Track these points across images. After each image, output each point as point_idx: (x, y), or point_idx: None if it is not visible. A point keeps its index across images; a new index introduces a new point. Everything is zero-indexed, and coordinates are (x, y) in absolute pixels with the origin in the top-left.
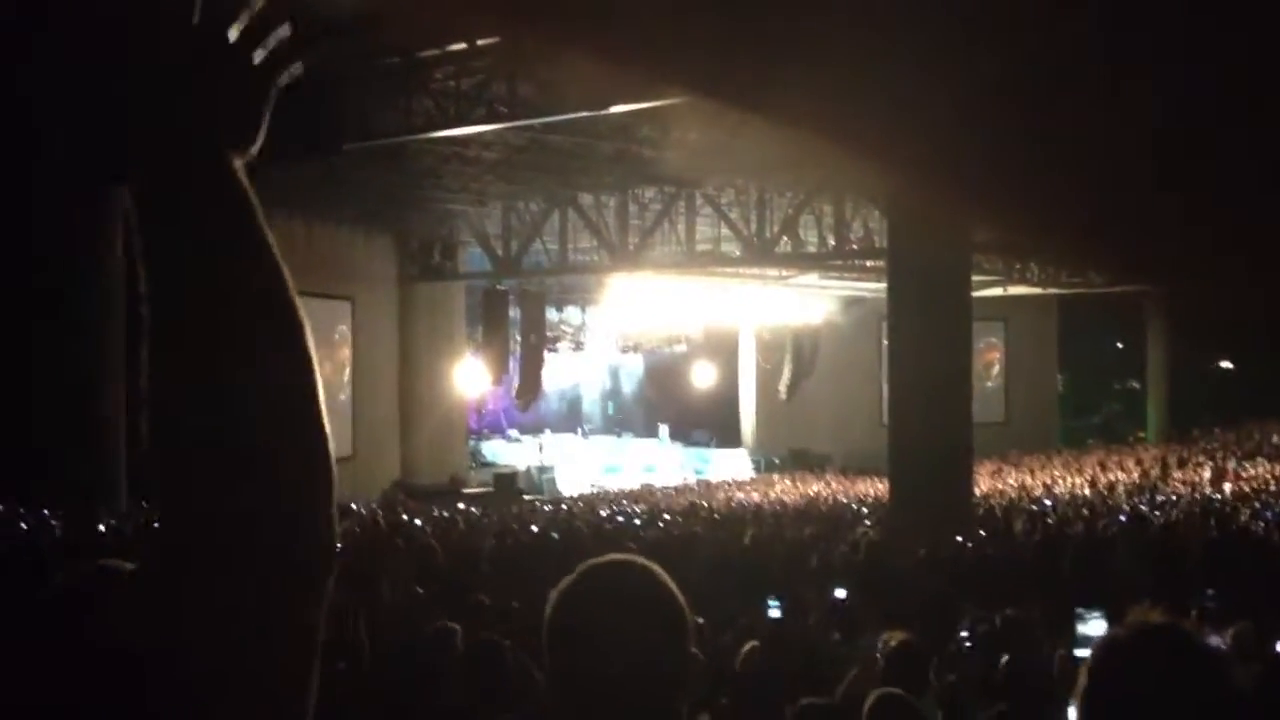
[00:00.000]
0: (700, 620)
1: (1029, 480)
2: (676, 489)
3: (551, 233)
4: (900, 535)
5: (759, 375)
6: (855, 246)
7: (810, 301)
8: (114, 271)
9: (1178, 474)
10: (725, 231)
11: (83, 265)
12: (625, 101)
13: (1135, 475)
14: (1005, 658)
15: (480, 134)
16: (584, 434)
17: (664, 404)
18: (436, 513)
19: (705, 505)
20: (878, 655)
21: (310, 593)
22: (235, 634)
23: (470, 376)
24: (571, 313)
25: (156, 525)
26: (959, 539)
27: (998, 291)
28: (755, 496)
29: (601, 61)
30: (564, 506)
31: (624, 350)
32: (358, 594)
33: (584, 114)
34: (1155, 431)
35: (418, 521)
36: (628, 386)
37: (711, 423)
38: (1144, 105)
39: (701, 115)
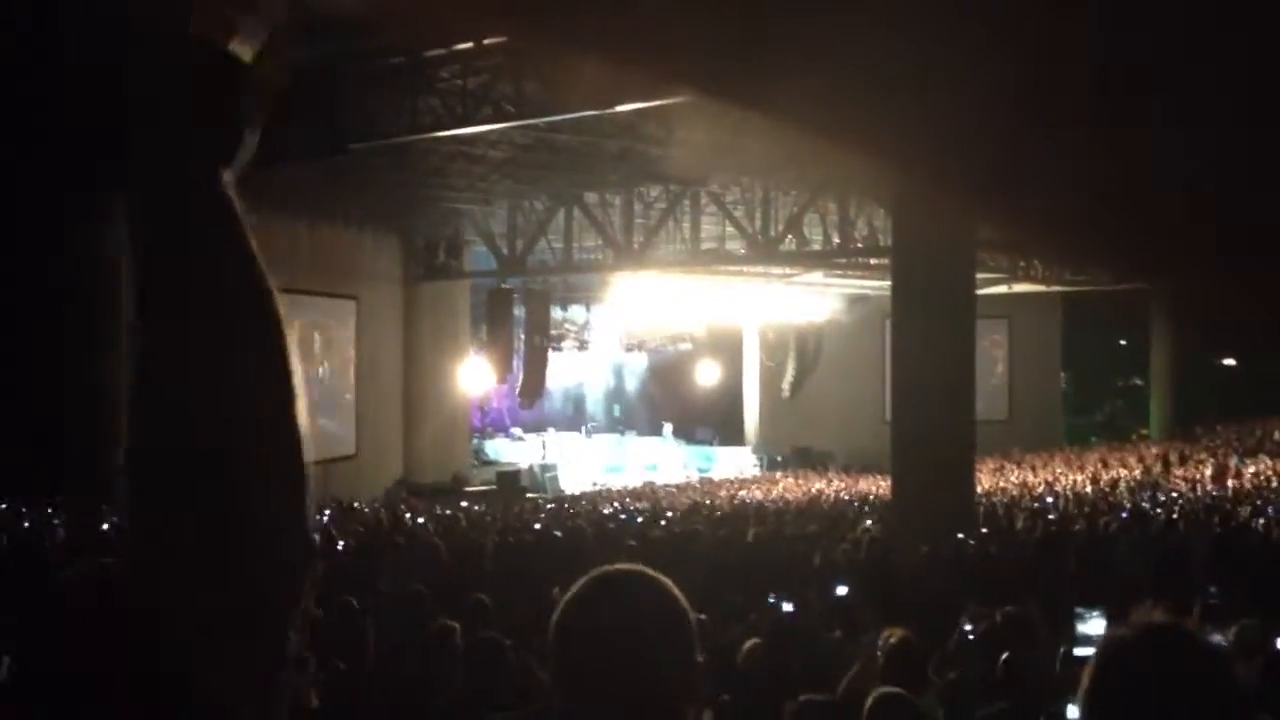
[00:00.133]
0: (702, 617)
1: (1031, 478)
2: (679, 487)
3: (556, 231)
4: (902, 533)
5: (763, 373)
6: (859, 245)
7: (814, 300)
8: (118, 272)
9: (1179, 471)
10: (730, 230)
11: (87, 266)
12: (631, 100)
13: (1137, 472)
14: (1006, 655)
15: (486, 133)
16: (587, 432)
17: (668, 402)
18: (439, 511)
19: (708, 503)
20: (878, 653)
21: (286, 591)
22: (212, 628)
23: (474, 375)
24: (576, 311)
25: (132, 523)
26: (961, 537)
27: (1002, 289)
28: (758, 494)
29: (607, 60)
30: (567, 505)
31: (628, 349)
32: (360, 592)
33: (589, 113)
34: (1158, 428)
35: (420, 520)
36: (631, 385)
37: (715, 421)
38: (1145, 104)
39: (706, 114)
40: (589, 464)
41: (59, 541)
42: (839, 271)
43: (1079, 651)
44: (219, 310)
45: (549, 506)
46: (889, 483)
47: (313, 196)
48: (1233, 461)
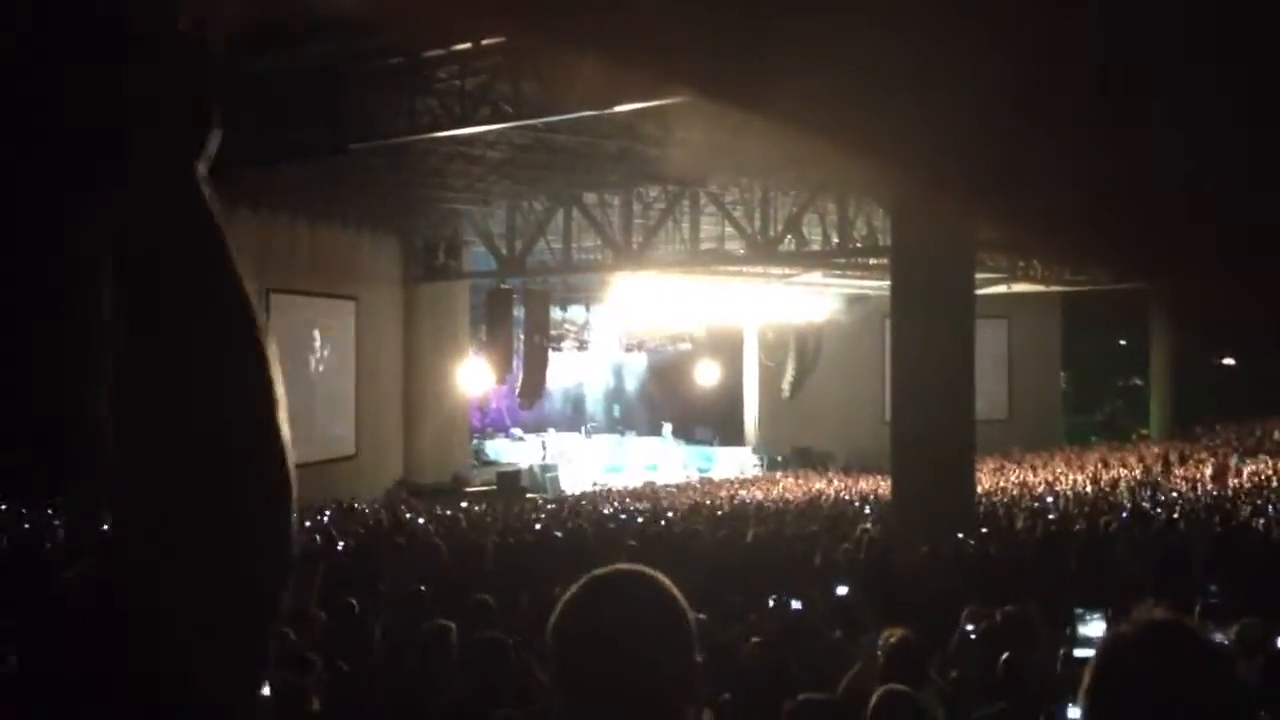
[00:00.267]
0: (702, 617)
1: (1031, 478)
2: (679, 487)
3: (556, 232)
4: (902, 533)
5: (762, 373)
6: (859, 245)
7: (813, 300)
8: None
9: (1180, 471)
10: (729, 230)
11: (86, 266)
12: (629, 101)
13: (1138, 472)
14: (1006, 655)
15: (484, 133)
16: (587, 432)
17: (667, 402)
18: (439, 511)
19: (708, 503)
20: (878, 652)
21: (267, 595)
22: (211, 628)
23: (474, 375)
24: (575, 311)
25: (116, 524)
26: (961, 536)
27: (1001, 289)
28: (758, 494)
29: (606, 60)
30: (567, 505)
31: (628, 349)
32: (361, 593)
33: (588, 113)
34: (1158, 428)
35: (421, 520)
36: (631, 385)
37: (715, 421)
38: (1145, 104)
39: (705, 114)
40: (589, 464)
41: (59, 542)
42: (838, 271)
43: (1080, 653)
44: (200, 312)
45: (549, 507)
46: (889, 483)
47: (312, 197)
48: (1233, 461)
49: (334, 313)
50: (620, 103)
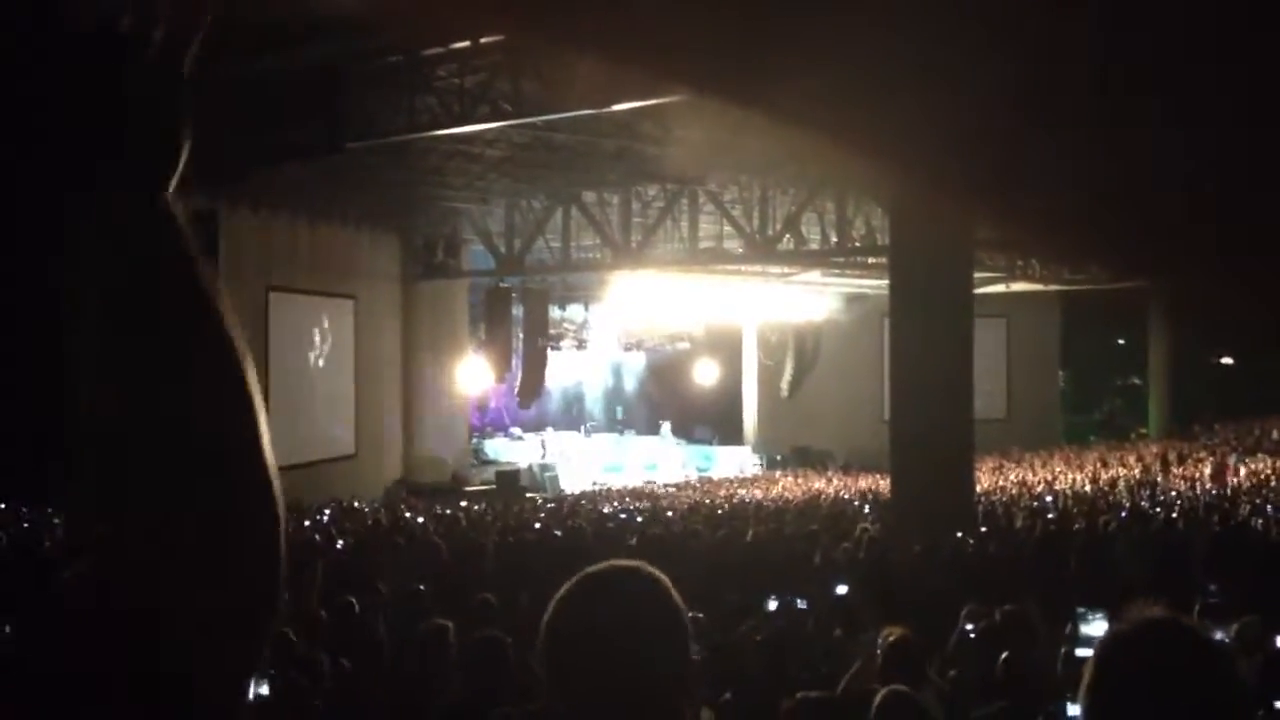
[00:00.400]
0: (701, 616)
1: (1030, 477)
2: (678, 486)
3: (554, 230)
4: (902, 532)
5: (761, 372)
6: (857, 243)
7: (812, 299)
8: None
9: (1178, 470)
10: (728, 229)
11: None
12: (628, 99)
13: (1137, 471)
14: (1005, 654)
15: (484, 132)
16: (586, 432)
17: (666, 401)
18: (439, 510)
19: (707, 503)
20: (877, 651)
21: (265, 595)
22: (196, 629)
23: (473, 374)
24: (574, 310)
25: (112, 525)
26: (960, 535)
27: (1000, 288)
28: (757, 494)
29: (605, 59)
30: (566, 504)
31: (626, 348)
32: (362, 593)
33: (587, 112)
34: (1157, 427)
35: (420, 519)
36: (630, 384)
37: (714, 420)
38: (1145, 104)
39: (704, 113)
40: (588, 463)
41: (58, 541)
42: (837, 270)
43: (1081, 652)
44: (167, 327)
45: (549, 506)
46: (888, 482)
47: (312, 196)
48: (1231, 460)
49: (333, 312)
50: (619, 101)
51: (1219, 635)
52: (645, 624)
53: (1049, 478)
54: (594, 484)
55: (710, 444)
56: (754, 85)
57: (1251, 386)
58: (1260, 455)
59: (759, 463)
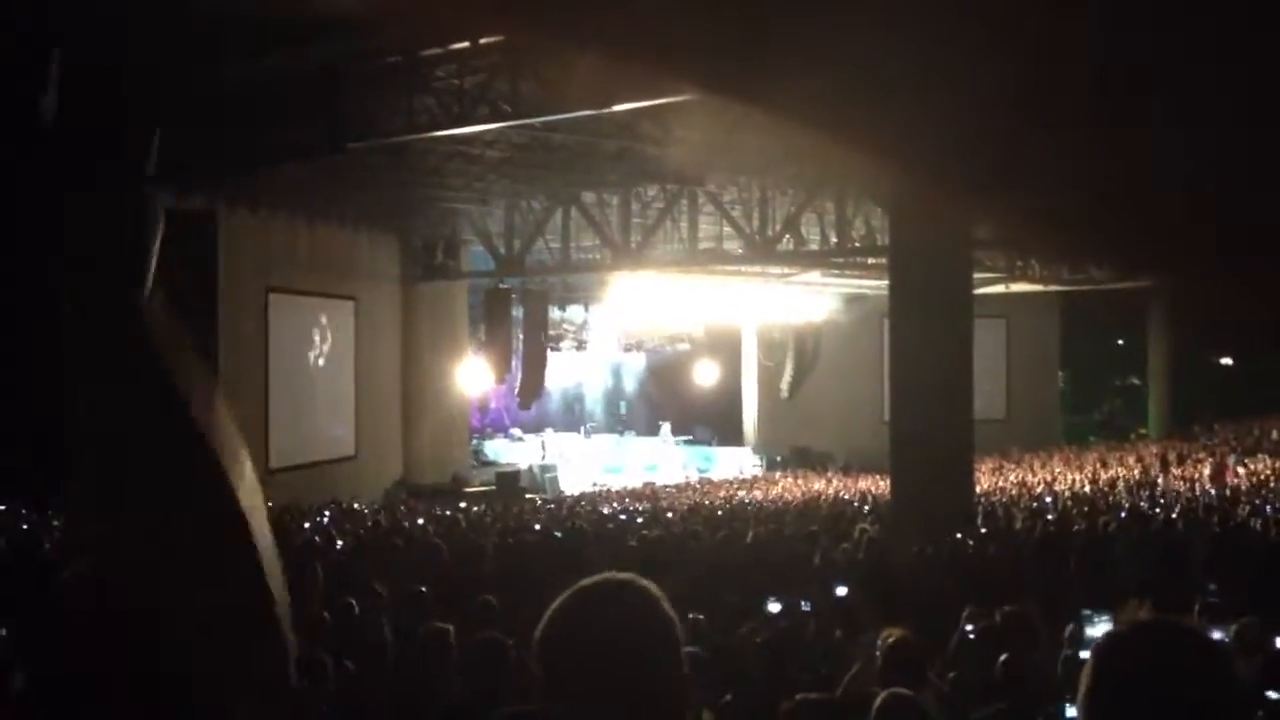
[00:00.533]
0: (701, 618)
1: (1030, 477)
2: (678, 487)
3: (554, 231)
4: (901, 533)
5: (761, 373)
6: (857, 244)
7: (812, 299)
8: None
9: (1178, 471)
10: (727, 229)
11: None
12: (627, 100)
13: (1136, 472)
14: (1005, 655)
15: (483, 133)
16: (586, 433)
17: (666, 402)
18: (439, 512)
19: (707, 504)
20: (877, 653)
21: (266, 594)
22: (197, 628)
23: (473, 375)
24: (574, 311)
25: (110, 526)
26: (960, 536)
27: (999, 289)
28: (757, 494)
29: (607, 57)
30: (566, 505)
31: (626, 349)
32: (360, 593)
33: (586, 112)
34: (1156, 428)
35: (420, 521)
36: (630, 385)
37: (714, 421)
38: (1146, 104)
39: (704, 113)
40: (588, 464)
41: (58, 544)
42: (836, 271)
43: (1085, 654)
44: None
45: (549, 507)
46: (888, 482)
47: (311, 196)
48: (1231, 460)
49: (333, 312)
50: (618, 102)
51: (1219, 636)
52: (639, 637)
53: (1049, 478)
54: (594, 485)
55: (710, 445)
56: (755, 84)
57: (1251, 386)
58: (1260, 456)
59: (759, 463)
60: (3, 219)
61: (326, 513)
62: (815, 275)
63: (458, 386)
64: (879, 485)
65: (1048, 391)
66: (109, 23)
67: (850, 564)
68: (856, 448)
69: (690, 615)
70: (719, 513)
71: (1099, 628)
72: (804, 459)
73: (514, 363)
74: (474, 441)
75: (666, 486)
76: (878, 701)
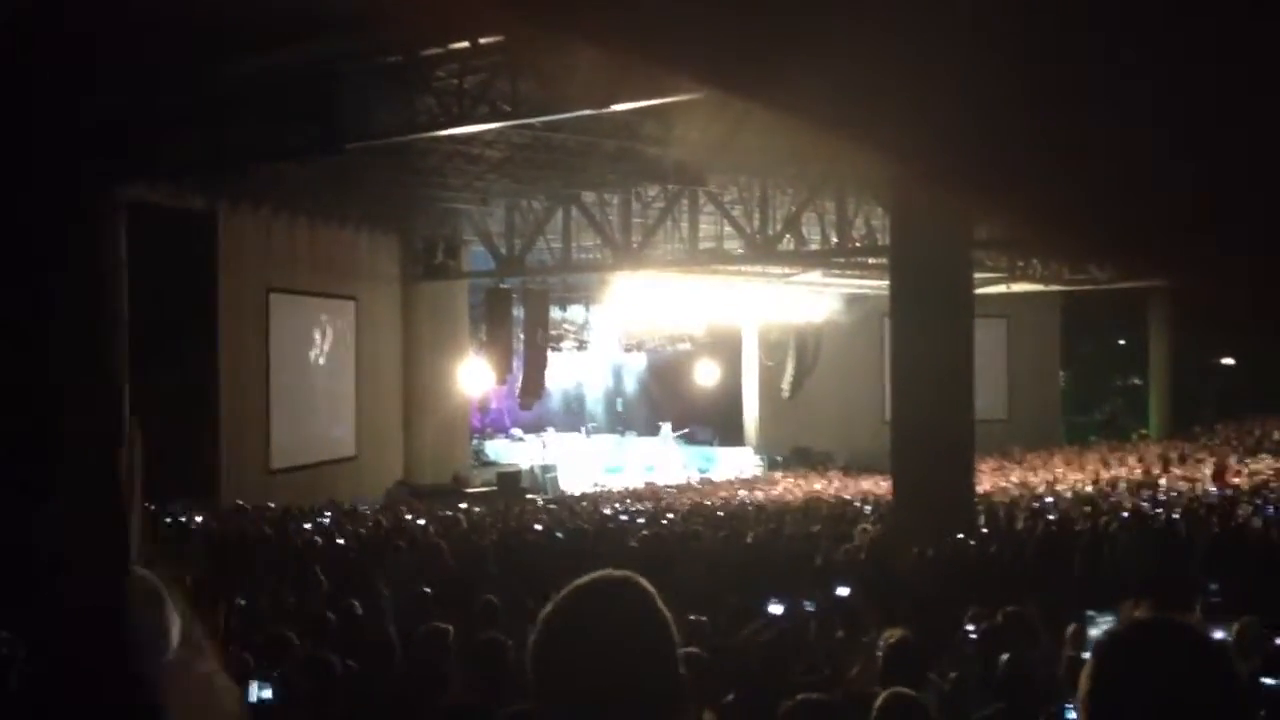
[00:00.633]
0: (703, 618)
1: (1031, 477)
2: (679, 487)
3: (555, 231)
4: (903, 533)
5: (762, 373)
6: (858, 244)
7: (813, 299)
8: (118, 276)
9: (1179, 470)
10: (728, 229)
11: (84, 269)
12: (628, 99)
13: (1137, 472)
14: (1006, 655)
15: (483, 132)
16: (587, 433)
17: (667, 402)
18: (440, 512)
19: (708, 504)
20: (878, 653)
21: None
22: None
23: (474, 375)
24: (575, 311)
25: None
26: (961, 536)
27: (1000, 289)
28: (758, 494)
29: (608, 55)
30: (567, 505)
31: (627, 349)
32: (363, 595)
33: (587, 112)
34: (1158, 428)
35: (421, 521)
36: (630, 385)
37: (715, 421)
38: (1145, 102)
39: (704, 113)
40: (589, 464)
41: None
42: (837, 271)
43: (1087, 655)
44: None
45: (550, 507)
46: (889, 483)
47: (311, 197)
48: (1232, 460)
49: (334, 313)
50: (619, 101)
51: (1220, 635)
52: (633, 635)
53: (1050, 478)
54: (595, 485)
55: (711, 445)
56: (756, 80)
57: (1252, 387)
58: (1261, 455)
59: (760, 464)
60: (2, 220)
61: (328, 514)
62: (816, 275)
63: (458, 386)
64: (880, 485)
65: (1049, 391)
66: None
67: (851, 564)
68: (857, 448)
69: (691, 616)
70: (720, 513)
71: (1102, 628)
72: (805, 459)
73: (514, 363)
74: (475, 442)
75: (667, 486)
76: (879, 701)
